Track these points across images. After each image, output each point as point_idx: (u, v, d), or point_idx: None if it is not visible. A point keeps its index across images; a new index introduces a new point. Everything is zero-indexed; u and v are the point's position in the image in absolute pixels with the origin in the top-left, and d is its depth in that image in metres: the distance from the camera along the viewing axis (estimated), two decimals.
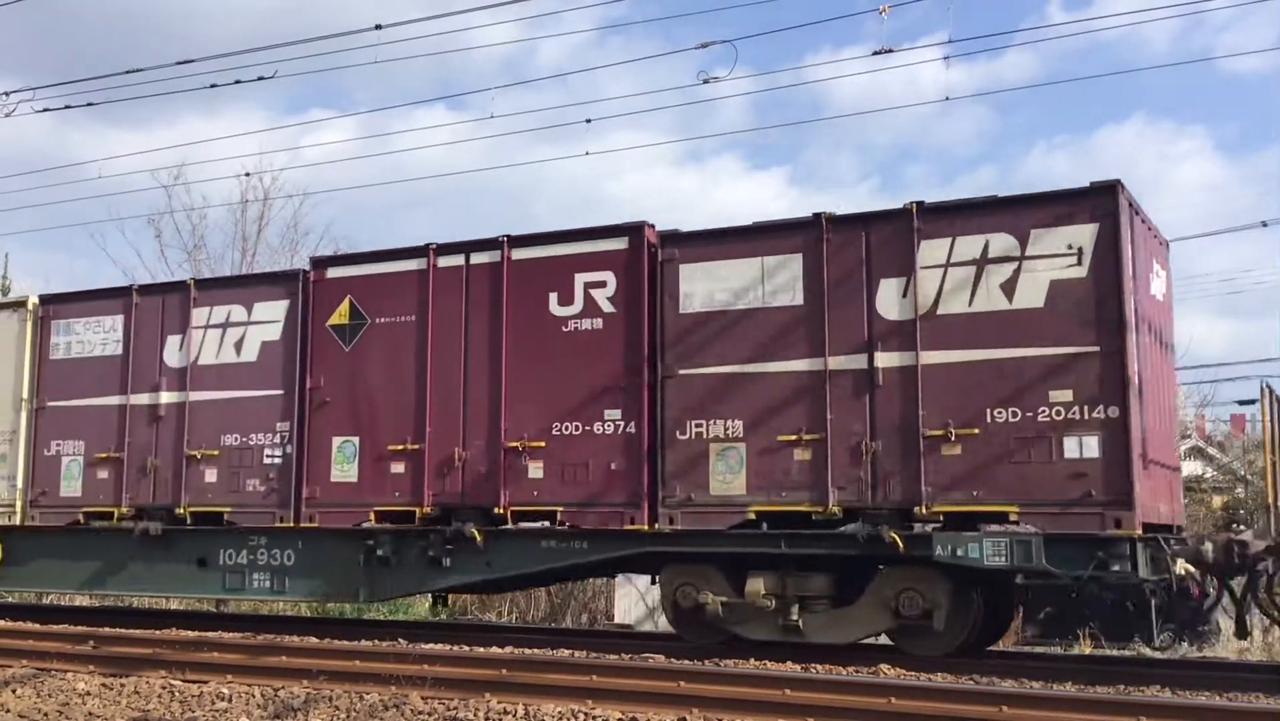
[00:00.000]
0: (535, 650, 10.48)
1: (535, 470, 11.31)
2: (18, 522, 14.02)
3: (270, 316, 12.95)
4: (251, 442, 12.81)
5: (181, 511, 13.09)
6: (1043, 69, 61.79)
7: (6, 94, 15.70)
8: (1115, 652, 14.02)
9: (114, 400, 13.71)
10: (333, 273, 12.68)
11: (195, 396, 13.21)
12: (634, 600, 17.20)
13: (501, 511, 11.41)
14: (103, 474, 13.66)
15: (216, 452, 12.96)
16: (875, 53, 12.89)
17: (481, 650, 10.43)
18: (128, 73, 15.18)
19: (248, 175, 28.20)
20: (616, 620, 16.77)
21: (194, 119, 52.90)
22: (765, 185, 67.12)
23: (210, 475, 13.01)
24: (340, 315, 12.54)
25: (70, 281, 32.89)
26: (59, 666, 10.48)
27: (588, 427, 11.13)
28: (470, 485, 11.62)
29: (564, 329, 11.38)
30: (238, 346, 13.08)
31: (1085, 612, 15.89)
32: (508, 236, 11.77)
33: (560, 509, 11.13)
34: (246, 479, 12.79)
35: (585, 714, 8.03)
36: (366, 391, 12.27)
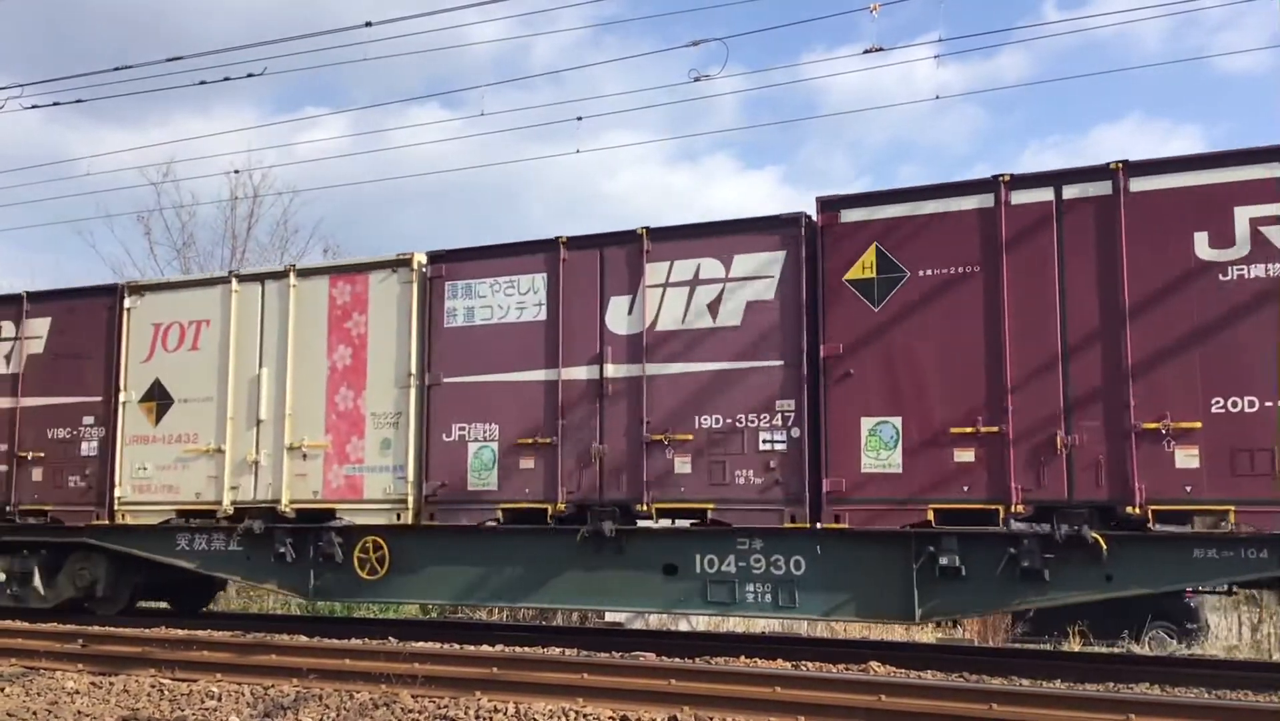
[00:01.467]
0: (526, 648, 10.40)
1: (1186, 458, 8.83)
2: (409, 521, 11.73)
3: (758, 270, 10.58)
4: (740, 425, 10.44)
5: (644, 508, 10.76)
6: (1037, 68, 58.83)
7: None
8: (1104, 650, 13.74)
9: (539, 375, 11.37)
10: (849, 215, 10.28)
11: (655, 369, 10.85)
12: None
13: (1136, 511, 8.94)
14: (527, 463, 11.32)
15: (689, 437, 10.60)
16: (865, 51, 12.28)
17: (472, 648, 10.37)
18: (116, 69, 14.30)
19: (237, 172, 27.29)
20: (607, 618, 15.87)
21: (186, 116, 51.31)
22: (758, 184, 64.81)
23: (681, 464, 10.63)
24: (863, 267, 10.14)
25: (58, 280, 31.67)
26: (47, 665, 10.40)
27: (1267, 404, 8.65)
28: (1081, 476, 9.17)
29: (1221, 278, 8.90)
30: (712, 308, 10.72)
31: (1074, 610, 14.43)
32: (1124, 162, 9.30)
33: (1231, 508, 8.64)
34: (735, 469, 10.42)
35: (576, 712, 8.00)
36: (909, 360, 9.86)
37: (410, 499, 11.74)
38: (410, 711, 8.28)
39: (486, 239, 13.12)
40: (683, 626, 15.55)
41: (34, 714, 8.76)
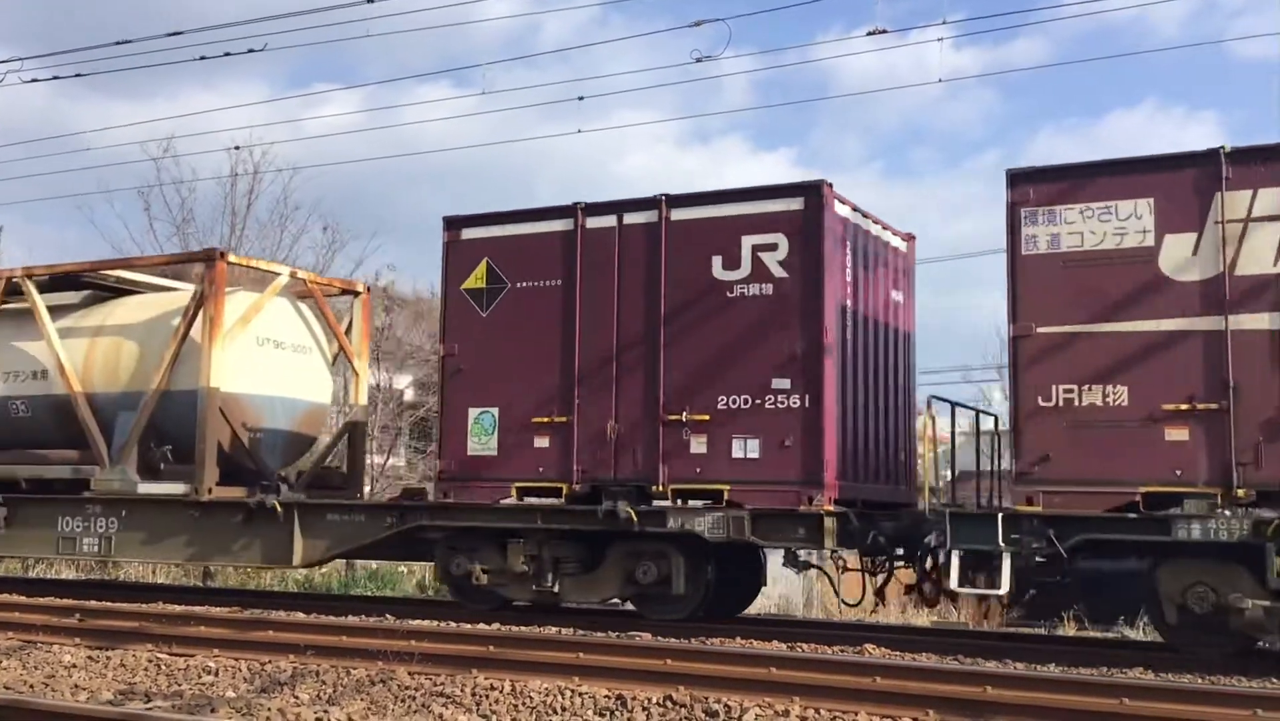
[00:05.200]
0: (523, 627, 10.45)
1: None
2: None
3: None
4: None
5: None
6: (1053, 53, 58.68)
7: None
8: (1099, 635, 13.70)
9: None
10: None
11: None
12: None
13: None
14: None
15: None
16: (870, 33, 12.26)
17: (469, 626, 10.37)
18: (117, 44, 14.66)
19: (237, 149, 26.88)
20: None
21: (194, 91, 51.14)
22: (771, 166, 64.78)
23: None
24: None
25: (61, 254, 31.59)
26: (45, 639, 10.37)
27: None
28: None
29: None
30: None
31: (1069, 594, 14.59)
32: None
33: None
34: None
35: (572, 691, 8.02)
36: None
37: None
38: (407, 688, 8.26)
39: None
40: None
41: (31, 687, 8.66)
